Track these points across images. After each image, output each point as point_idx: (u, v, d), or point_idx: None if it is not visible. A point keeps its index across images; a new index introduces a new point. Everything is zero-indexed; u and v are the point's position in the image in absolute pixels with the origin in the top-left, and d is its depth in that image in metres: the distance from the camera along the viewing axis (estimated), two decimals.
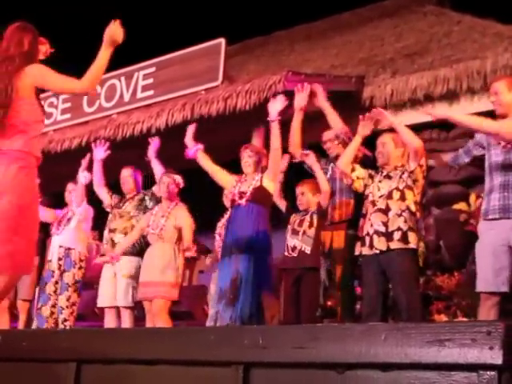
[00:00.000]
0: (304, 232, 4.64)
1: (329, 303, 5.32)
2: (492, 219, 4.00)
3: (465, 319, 5.44)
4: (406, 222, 4.45)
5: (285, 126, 4.92)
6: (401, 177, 4.58)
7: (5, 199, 3.28)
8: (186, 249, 5.40)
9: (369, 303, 4.49)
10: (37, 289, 6.43)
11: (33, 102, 3.42)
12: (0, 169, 3.30)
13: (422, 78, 7.11)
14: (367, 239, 4.53)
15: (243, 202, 5.02)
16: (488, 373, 1.70)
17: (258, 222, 4.80)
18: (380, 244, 4.46)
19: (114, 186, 6.15)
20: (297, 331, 2.11)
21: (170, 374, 2.35)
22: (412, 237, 4.44)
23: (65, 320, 5.85)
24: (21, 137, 3.36)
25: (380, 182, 4.66)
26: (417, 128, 7.15)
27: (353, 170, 4.73)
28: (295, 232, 4.73)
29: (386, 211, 4.51)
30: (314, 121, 5.47)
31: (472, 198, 6.49)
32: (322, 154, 5.43)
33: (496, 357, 1.68)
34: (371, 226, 4.53)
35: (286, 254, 5.01)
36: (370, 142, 7.08)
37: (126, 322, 5.61)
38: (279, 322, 5.00)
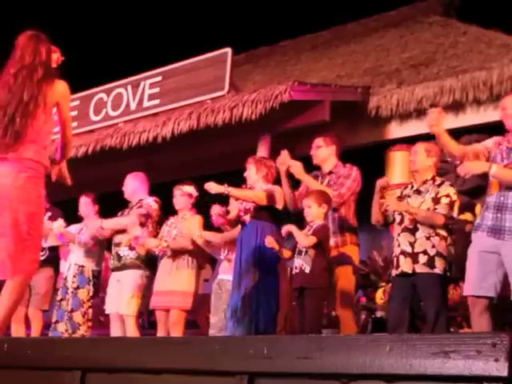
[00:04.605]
0: (306, 251, 4.60)
1: (333, 313, 5.30)
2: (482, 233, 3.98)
3: (470, 330, 5.42)
4: (433, 246, 4.33)
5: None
6: (435, 198, 4.42)
7: (14, 207, 3.35)
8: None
9: (393, 317, 4.45)
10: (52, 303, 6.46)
11: (51, 113, 3.48)
12: (9, 176, 3.36)
13: (428, 89, 7.11)
14: (395, 260, 4.46)
15: (248, 218, 5.00)
16: None
17: (263, 238, 4.75)
18: (406, 266, 4.36)
19: (119, 195, 6.15)
20: (302, 341, 2.10)
21: (175, 383, 2.35)
22: (439, 262, 4.31)
23: (83, 336, 5.89)
24: (32, 146, 3.42)
25: (409, 197, 4.52)
26: (422, 138, 7.15)
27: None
28: (299, 252, 4.69)
29: (413, 231, 4.39)
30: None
31: (478, 208, 6.45)
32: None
33: (501, 369, 1.67)
34: (398, 246, 4.44)
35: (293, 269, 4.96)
36: (376, 153, 7.06)
37: (130, 329, 5.60)
38: (284, 333, 4.99)
